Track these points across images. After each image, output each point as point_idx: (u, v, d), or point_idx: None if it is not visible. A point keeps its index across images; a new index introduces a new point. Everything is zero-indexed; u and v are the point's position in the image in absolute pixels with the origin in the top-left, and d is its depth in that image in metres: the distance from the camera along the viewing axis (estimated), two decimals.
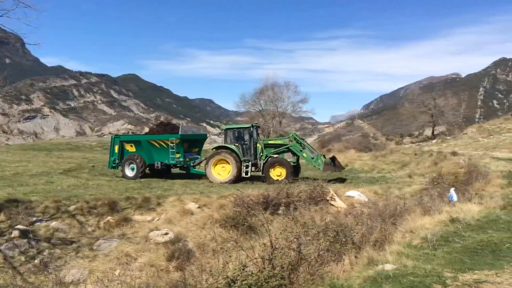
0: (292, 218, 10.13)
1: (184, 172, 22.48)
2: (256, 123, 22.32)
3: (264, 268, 5.46)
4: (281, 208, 11.46)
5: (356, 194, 14.60)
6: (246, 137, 20.50)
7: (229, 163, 19.60)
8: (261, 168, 19.79)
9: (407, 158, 28.11)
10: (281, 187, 12.90)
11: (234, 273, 5.33)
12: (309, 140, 56.02)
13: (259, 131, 21.81)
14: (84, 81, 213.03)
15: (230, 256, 5.80)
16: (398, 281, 5.78)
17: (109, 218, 12.09)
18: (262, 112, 45.69)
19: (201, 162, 22.88)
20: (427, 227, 8.90)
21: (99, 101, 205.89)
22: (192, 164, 21.92)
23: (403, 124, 58.34)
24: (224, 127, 22.37)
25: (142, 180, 19.90)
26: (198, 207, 13.24)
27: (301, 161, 21.14)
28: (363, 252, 7.41)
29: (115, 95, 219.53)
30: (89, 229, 11.78)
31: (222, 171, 19.80)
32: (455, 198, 10.78)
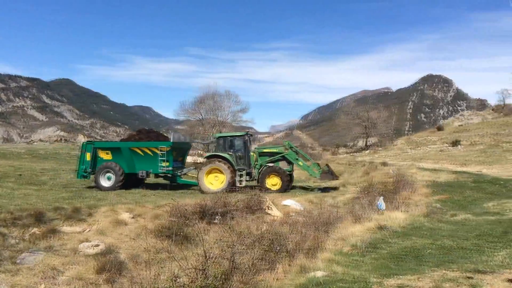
0: (228, 227, 10.17)
1: (168, 182, 21.38)
2: (249, 132, 22.09)
3: (197, 279, 5.41)
4: (217, 217, 11.42)
5: (292, 203, 14.88)
6: (240, 145, 19.99)
7: (222, 172, 18.99)
8: (256, 177, 19.41)
9: (341, 168, 29.21)
10: (218, 196, 12.87)
11: (165, 284, 5.24)
12: None
13: (251, 139, 21.26)
14: (13, 84, 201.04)
15: (162, 267, 5.67)
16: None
17: (35, 229, 11.41)
18: (202, 121, 45.46)
19: (188, 171, 22.17)
20: (357, 235, 9.26)
21: (29, 106, 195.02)
22: (178, 173, 21.04)
23: (339, 135, 60.44)
24: (217, 135, 21.48)
25: (74, 189, 19.00)
26: (132, 217, 12.88)
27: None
28: (296, 260, 7.56)
29: (47, 100, 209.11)
30: (13, 241, 11.04)
31: (214, 181, 19.17)
32: (383, 206, 11.30)
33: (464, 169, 21.85)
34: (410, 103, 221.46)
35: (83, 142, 23.23)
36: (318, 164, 20.69)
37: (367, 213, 10.95)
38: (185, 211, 11.50)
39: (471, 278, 6.01)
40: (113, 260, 8.88)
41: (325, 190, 19.73)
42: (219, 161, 19.07)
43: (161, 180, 21.75)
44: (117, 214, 13.05)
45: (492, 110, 77.61)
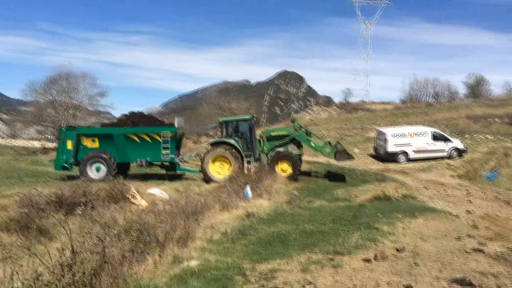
0: (89, 218, 9.48)
1: (165, 171, 19.15)
2: (254, 114, 19.73)
3: (63, 276, 4.91)
4: (79, 208, 10.54)
5: (158, 191, 14.53)
6: (246, 130, 18.24)
7: (228, 160, 17.33)
8: (267, 163, 17.78)
9: None
10: (78, 185, 11.89)
11: (24, 283, 4.65)
12: None
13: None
14: None
15: (22, 266, 5.01)
16: (203, 276, 5.95)
17: None
18: (54, 103, 41.26)
19: (189, 158, 20.08)
20: (226, 222, 9.46)
21: None
22: (178, 161, 18.63)
23: (200, 124, 60.74)
24: (220, 119, 19.34)
25: None
26: None
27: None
28: (168, 250, 7.40)
29: None
30: None
31: (220, 169, 17.41)
32: (250, 194, 11.72)
33: (316, 159, 23.82)
34: (267, 96, 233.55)
35: (62, 128, 19.58)
36: (330, 143, 19.37)
37: (234, 201, 11.25)
38: (39, 201, 10.35)
39: (332, 259, 6.61)
40: None
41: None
42: (225, 148, 17.63)
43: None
44: None
45: (337, 107, 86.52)
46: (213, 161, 17.82)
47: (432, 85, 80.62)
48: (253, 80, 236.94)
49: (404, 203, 11.90)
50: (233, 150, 17.59)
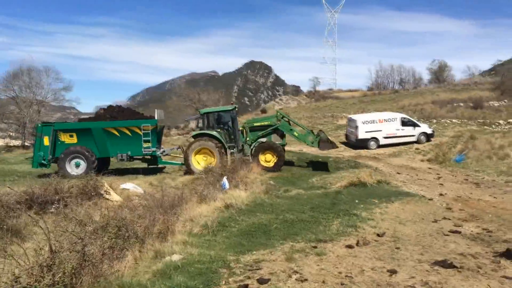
0: (64, 216, 9.17)
1: (147, 164, 18.90)
2: (236, 106, 18.90)
3: (43, 277, 4.71)
4: (53, 206, 10.17)
5: (132, 186, 14.22)
6: (228, 121, 17.73)
7: (211, 151, 16.94)
8: (250, 154, 17.46)
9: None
10: (49, 182, 11.47)
11: (2, 287, 4.44)
12: None
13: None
14: None
15: None
16: (186, 270, 5.85)
17: None
18: (16, 99, 39.68)
19: (171, 151, 19.71)
20: (205, 215, 9.34)
21: None
22: (159, 154, 18.28)
23: (170, 116, 59.91)
24: (202, 111, 18.52)
25: None
26: None
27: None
28: (149, 245, 7.25)
29: None
30: None
31: (204, 161, 16.95)
32: (227, 186, 11.63)
33: (287, 148, 23.88)
34: (235, 87, 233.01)
35: (38, 124, 18.58)
36: (313, 132, 18.92)
37: (212, 192, 11.13)
38: (8, 200, 9.93)
39: (316, 247, 6.64)
40: None
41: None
42: (208, 140, 17.25)
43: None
44: None
45: (305, 96, 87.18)
46: (196, 153, 17.53)
47: (397, 72, 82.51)
48: (221, 71, 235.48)
49: (379, 188, 12.10)
50: (216, 142, 17.37)
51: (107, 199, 12.45)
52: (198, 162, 17.44)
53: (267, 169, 17.11)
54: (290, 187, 13.69)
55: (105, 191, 12.73)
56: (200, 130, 18.45)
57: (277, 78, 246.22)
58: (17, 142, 41.14)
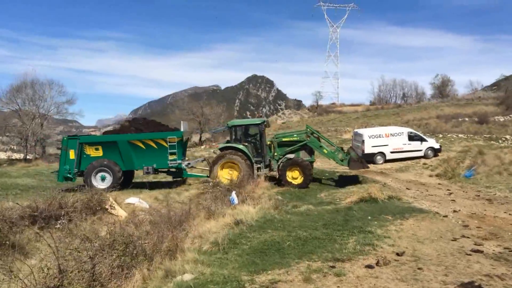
0: (69, 232, 8.91)
1: (172, 177, 18.70)
2: (265, 119, 18.56)
3: None
4: (59, 221, 9.89)
5: (137, 200, 13.97)
6: (257, 135, 17.35)
7: (237, 166, 16.60)
8: (277, 169, 17.16)
9: None
10: (53, 197, 11.21)
11: None
12: None
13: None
14: None
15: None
16: None
17: None
18: (19, 112, 39.59)
19: (195, 163, 19.45)
20: (214, 231, 9.06)
21: None
22: (184, 166, 18.03)
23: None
24: (230, 123, 18.10)
25: None
26: None
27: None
28: (158, 263, 6.97)
29: None
30: None
31: (229, 175, 16.52)
32: (236, 201, 11.37)
33: None
34: (237, 101, 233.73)
35: (63, 137, 18.34)
36: (342, 149, 18.34)
37: (220, 208, 10.86)
38: (12, 215, 9.68)
39: (334, 267, 6.33)
40: None
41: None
42: (234, 154, 16.87)
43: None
44: None
45: (308, 110, 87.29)
46: (222, 166, 17.13)
47: (400, 86, 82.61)
48: (223, 85, 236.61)
49: (390, 204, 11.78)
50: (243, 156, 16.94)
51: (112, 214, 12.20)
52: (224, 175, 16.96)
53: (294, 186, 16.62)
54: (298, 202, 13.39)
55: (110, 205, 12.49)
56: (226, 142, 18.13)
57: (279, 92, 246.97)
58: (19, 156, 40.96)
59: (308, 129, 18.10)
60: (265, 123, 18.23)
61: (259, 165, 17.16)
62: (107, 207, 12.30)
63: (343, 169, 20.23)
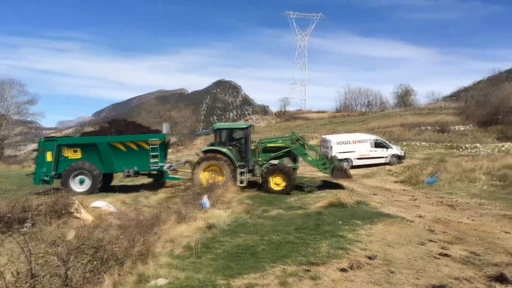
0: (35, 236, 8.59)
1: (153, 180, 18.39)
2: (251, 123, 17.96)
3: None
4: (24, 225, 9.50)
5: (104, 204, 13.61)
6: (242, 139, 16.83)
7: (221, 169, 16.16)
8: (260, 175, 16.63)
9: None
10: (16, 200, 10.78)
11: None
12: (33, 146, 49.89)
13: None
14: None
15: None
16: None
17: None
18: None
19: (177, 166, 19.07)
20: (186, 235, 8.95)
21: None
22: (166, 169, 17.59)
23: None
24: (215, 126, 17.57)
25: None
26: None
27: None
28: (130, 268, 6.81)
29: None
30: None
31: (211, 178, 15.94)
32: (208, 205, 11.28)
33: None
34: (204, 105, 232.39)
35: (40, 139, 17.42)
36: (327, 157, 18.13)
37: (191, 212, 10.74)
38: None
39: (309, 270, 6.39)
40: None
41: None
42: (218, 157, 16.42)
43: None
44: None
45: (275, 115, 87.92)
46: (205, 169, 16.72)
47: (365, 94, 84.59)
48: (190, 89, 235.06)
49: (359, 209, 11.99)
50: (227, 160, 16.66)
51: (77, 217, 11.84)
52: (206, 178, 16.45)
53: (276, 192, 16.36)
54: (268, 207, 13.40)
55: (76, 209, 12.12)
56: (211, 145, 17.83)
57: (246, 97, 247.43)
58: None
59: (294, 136, 17.91)
60: (251, 127, 18.01)
61: (242, 170, 16.88)
62: (72, 210, 11.92)
63: (323, 175, 20.45)
